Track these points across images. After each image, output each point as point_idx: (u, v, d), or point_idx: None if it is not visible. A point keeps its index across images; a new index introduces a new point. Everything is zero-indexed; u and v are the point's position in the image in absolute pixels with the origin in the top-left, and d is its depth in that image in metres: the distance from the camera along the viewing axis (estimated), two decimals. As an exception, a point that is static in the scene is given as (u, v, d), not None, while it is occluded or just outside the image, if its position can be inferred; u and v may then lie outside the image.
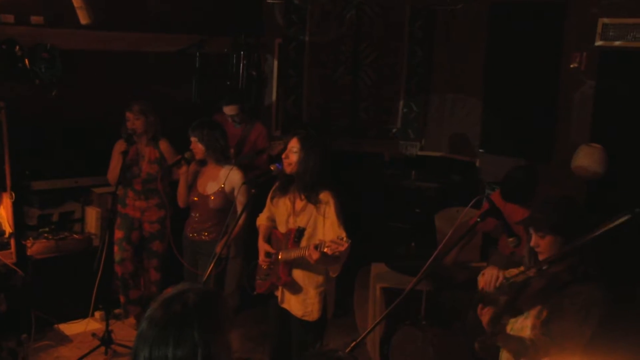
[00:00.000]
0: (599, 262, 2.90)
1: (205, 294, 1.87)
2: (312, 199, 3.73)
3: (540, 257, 3.00)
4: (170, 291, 1.87)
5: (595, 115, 5.35)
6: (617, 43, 5.16)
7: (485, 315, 3.02)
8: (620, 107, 5.19)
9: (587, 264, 2.88)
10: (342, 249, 3.46)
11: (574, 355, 2.81)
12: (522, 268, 3.26)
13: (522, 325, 3.01)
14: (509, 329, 3.03)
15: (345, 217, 3.75)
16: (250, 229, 4.49)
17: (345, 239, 3.48)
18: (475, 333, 3.30)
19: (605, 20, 5.19)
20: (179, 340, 1.78)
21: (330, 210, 3.71)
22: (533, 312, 2.96)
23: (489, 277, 3.02)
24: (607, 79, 5.24)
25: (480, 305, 3.03)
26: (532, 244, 3.00)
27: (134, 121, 5.08)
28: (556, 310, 2.88)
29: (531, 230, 3.01)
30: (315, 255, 3.55)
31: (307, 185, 3.73)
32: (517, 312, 3.00)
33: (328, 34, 6.61)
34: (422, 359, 4.19)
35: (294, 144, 3.76)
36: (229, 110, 5.67)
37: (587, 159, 5.07)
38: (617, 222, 2.60)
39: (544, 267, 2.87)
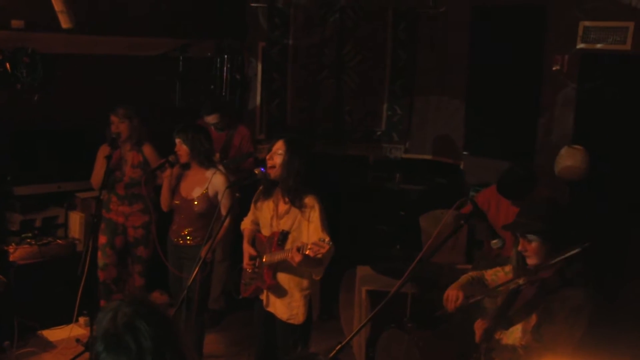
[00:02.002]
0: (586, 265, 2.93)
1: (137, 303, 1.90)
2: (297, 202, 3.74)
3: (529, 261, 3.02)
4: (105, 310, 1.90)
5: (577, 118, 5.39)
6: (598, 46, 5.20)
7: (478, 329, 3.04)
8: (602, 109, 5.23)
9: (574, 268, 2.90)
10: (323, 251, 3.47)
11: (564, 357, 2.83)
12: (506, 268, 3.29)
13: (512, 330, 3.03)
14: (499, 334, 3.05)
15: (329, 221, 3.76)
16: (236, 233, 4.48)
17: (327, 241, 3.49)
18: (461, 335, 3.32)
19: (587, 23, 5.24)
20: (140, 346, 1.80)
21: (314, 214, 3.72)
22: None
23: (450, 297, 3.15)
24: (589, 81, 5.28)
25: (479, 320, 3.06)
26: (519, 248, 3.02)
27: (118, 125, 5.06)
28: (546, 315, 2.90)
29: (518, 235, 3.03)
30: (297, 258, 3.55)
31: (290, 188, 3.73)
32: (509, 324, 3.02)
33: (311, 37, 6.61)
34: (407, 361, 4.19)
35: (279, 147, 3.76)
36: (210, 119, 5.64)
37: (569, 160, 5.11)
38: (571, 254, 2.82)
39: (534, 279, 2.92)
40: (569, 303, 2.85)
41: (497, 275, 3.36)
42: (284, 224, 3.80)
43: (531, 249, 2.98)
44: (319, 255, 3.51)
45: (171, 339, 1.86)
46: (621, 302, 4.91)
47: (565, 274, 2.87)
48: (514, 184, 4.44)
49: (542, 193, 4.48)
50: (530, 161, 5.67)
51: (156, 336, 1.82)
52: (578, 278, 2.88)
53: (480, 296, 3.12)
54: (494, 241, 3.30)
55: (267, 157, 3.80)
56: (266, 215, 3.90)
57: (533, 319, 2.94)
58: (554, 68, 5.43)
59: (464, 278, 3.37)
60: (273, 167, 3.75)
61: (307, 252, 3.51)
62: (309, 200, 3.73)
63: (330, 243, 3.48)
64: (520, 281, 2.95)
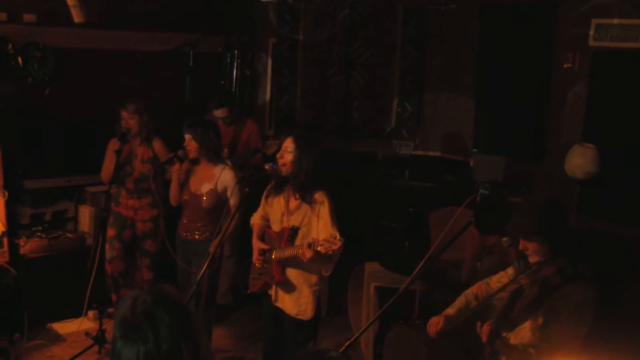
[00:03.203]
0: (587, 261, 2.94)
1: (157, 292, 1.91)
2: (307, 198, 3.74)
3: (530, 260, 3.04)
4: (126, 298, 1.91)
5: (588, 116, 5.36)
6: (610, 44, 5.17)
7: (484, 332, 3.05)
8: (613, 107, 5.21)
9: (575, 264, 2.91)
10: (335, 247, 3.47)
11: (573, 354, 2.85)
12: (509, 271, 3.30)
13: (519, 328, 3.04)
14: (506, 334, 3.06)
15: (339, 217, 3.76)
16: (245, 229, 4.49)
17: (338, 237, 3.50)
18: (468, 333, 3.34)
19: (599, 20, 5.21)
20: (157, 334, 1.81)
21: (324, 210, 3.72)
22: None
23: (431, 323, 3.37)
24: (600, 79, 5.25)
25: (478, 323, 3.09)
26: (520, 247, 3.04)
27: (128, 120, 5.08)
28: (551, 314, 2.92)
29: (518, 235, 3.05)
30: (308, 254, 3.56)
31: (301, 184, 3.74)
32: (512, 326, 3.04)
33: (321, 33, 6.60)
34: (415, 359, 4.20)
35: (288, 144, 3.76)
36: (219, 113, 5.66)
37: (580, 158, 5.09)
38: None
39: (535, 278, 2.94)
40: (572, 300, 2.87)
41: (501, 281, 3.38)
42: (295, 220, 3.81)
43: (532, 248, 3.00)
44: (330, 252, 3.51)
45: (188, 329, 1.86)
46: (626, 301, 4.89)
47: (566, 271, 2.89)
48: (487, 220, 4.29)
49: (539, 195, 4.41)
50: (540, 159, 5.66)
51: (174, 326, 1.83)
52: (580, 274, 2.89)
53: (458, 322, 3.33)
54: (504, 239, 3.30)
55: (278, 155, 3.81)
56: (277, 211, 3.91)
57: (539, 318, 2.95)
58: (565, 66, 5.40)
59: (463, 298, 3.45)
60: (284, 164, 3.76)
61: (318, 249, 3.51)
62: (318, 196, 3.74)
63: (342, 239, 3.48)
64: (523, 281, 2.96)
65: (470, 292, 3.47)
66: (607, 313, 3.39)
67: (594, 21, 5.21)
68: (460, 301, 3.46)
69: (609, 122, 5.23)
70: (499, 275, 3.40)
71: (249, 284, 4.08)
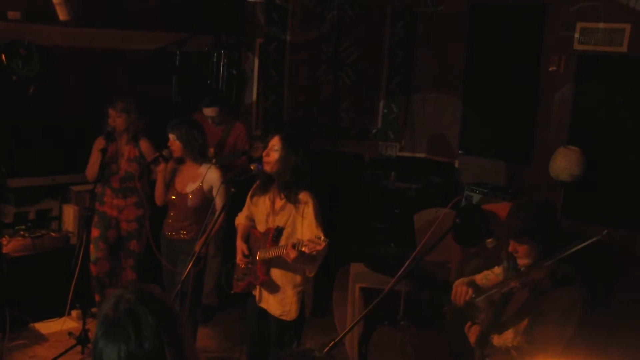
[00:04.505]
0: (576, 264, 2.94)
1: (141, 291, 1.90)
2: (292, 198, 3.74)
3: (520, 262, 3.03)
4: (109, 297, 1.90)
5: (573, 118, 5.40)
6: (595, 47, 5.21)
7: (472, 334, 3.05)
8: (598, 110, 5.25)
9: (565, 268, 2.91)
10: (319, 248, 3.47)
11: (555, 356, 2.85)
12: (496, 270, 3.30)
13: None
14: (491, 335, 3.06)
15: (324, 218, 3.76)
16: (230, 228, 4.48)
17: (322, 238, 3.49)
18: (454, 333, 3.34)
19: (584, 24, 5.25)
20: (139, 334, 1.80)
21: (309, 210, 3.72)
22: None
23: (459, 292, 3.17)
24: (586, 82, 5.29)
25: (468, 324, 3.08)
26: (510, 249, 3.03)
27: (115, 118, 5.05)
28: (537, 316, 2.92)
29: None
30: (292, 254, 3.55)
31: (287, 184, 3.73)
32: (502, 329, 3.04)
33: (309, 33, 6.62)
34: (400, 359, 4.20)
35: (275, 142, 3.76)
36: (209, 111, 5.65)
37: (564, 160, 5.12)
38: (587, 243, 2.73)
39: (526, 281, 2.93)
40: (560, 304, 2.87)
41: (487, 278, 3.37)
42: (280, 220, 3.80)
43: (522, 250, 2.99)
44: (314, 253, 3.51)
45: (172, 329, 1.85)
46: (614, 303, 4.93)
47: (556, 275, 2.89)
48: (466, 233, 4.13)
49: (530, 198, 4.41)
50: (526, 161, 5.69)
51: (157, 325, 1.81)
52: (569, 277, 2.89)
53: (489, 292, 3.11)
54: (489, 240, 3.31)
55: (264, 153, 3.80)
56: (262, 210, 3.91)
57: (525, 320, 2.96)
58: (550, 69, 5.45)
59: (462, 280, 3.39)
60: (269, 163, 3.75)
61: (302, 249, 3.51)
62: (303, 196, 3.73)
63: (326, 240, 3.48)
64: (513, 284, 2.96)
65: (461, 280, 3.45)
66: (594, 314, 3.41)
67: (579, 25, 5.26)
68: (463, 280, 3.40)
69: (593, 125, 5.28)
70: (484, 273, 3.40)
71: (233, 284, 4.08)
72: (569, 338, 2.89)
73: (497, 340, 3.04)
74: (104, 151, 4.94)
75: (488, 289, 3.11)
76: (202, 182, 4.54)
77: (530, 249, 2.97)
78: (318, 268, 3.81)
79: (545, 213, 3.05)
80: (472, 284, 3.35)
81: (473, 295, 3.12)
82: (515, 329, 2.98)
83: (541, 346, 2.87)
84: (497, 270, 3.32)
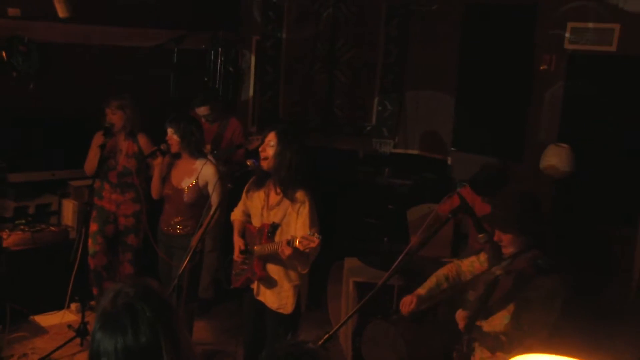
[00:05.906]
0: (560, 254, 3.05)
1: (140, 285, 1.94)
2: (288, 195, 3.77)
3: (505, 251, 3.14)
4: (108, 291, 1.94)
5: (564, 116, 5.48)
6: (585, 47, 5.30)
7: (461, 320, 3.15)
8: (587, 109, 5.33)
9: (548, 257, 3.02)
10: (313, 245, 3.52)
11: (542, 340, 2.97)
12: (481, 257, 3.42)
13: (492, 317, 3.15)
14: (479, 322, 3.16)
15: (319, 215, 3.81)
16: (226, 223, 4.54)
17: (316, 235, 3.55)
18: (446, 326, 3.44)
19: (574, 24, 5.33)
20: (136, 327, 1.84)
21: (304, 209, 3.75)
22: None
23: (403, 301, 3.49)
24: (576, 81, 5.37)
25: (459, 311, 3.20)
26: (495, 238, 3.14)
27: (111, 116, 5.11)
28: (523, 303, 3.03)
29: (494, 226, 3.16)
30: (287, 251, 3.61)
31: (283, 179, 3.77)
32: (489, 314, 3.15)
33: (305, 31, 6.67)
34: (393, 352, 4.27)
35: (271, 138, 3.79)
36: (201, 110, 5.68)
37: (555, 158, 5.20)
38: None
39: (510, 269, 3.04)
40: (544, 290, 2.98)
41: (473, 265, 3.49)
42: (274, 216, 3.85)
43: (506, 239, 3.11)
44: (308, 250, 3.57)
45: (168, 324, 1.88)
46: (603, 299, 5.01)
47: (539, 264, 3.00)
48: (486, 181, 4.53)
49: (514, 189, 4.57)
50: (518, 158, 5.76)
51: (154, 320, 1.85)
52: (551, 266, 3.00)
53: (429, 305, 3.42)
54: (481, 235, 3.39)
55: (260, 149, 3.84)
56: (257, 205, 3.95)
57: (511, 307, 3.07)
58: (541, 67, 5.52)
59: (434, 278, 3.55)
60: (266, 158, 3.79)
61: (296, 245, 3.57)
62: (300, 194, 3.77)
63: (320, 237, 3.53)
64: (497, 272, 3.07)
65: (441, 273, 3.58)
66: (585, 306, 3.50)
67: (570, 24, 5.33)
68: (431, 281, 3.57)
69: (583, 123, 5.36)
70: (471, 259, 3.52)
71: (232, 280, 4.14)
72: (553, 324, 3.00)
73: (487, 327, 3.14)
74: (102, 147, 4.99)
75: (432, 300, 3.32)
76: (197, 178, 4.59)
77: (515, 238, 3.09)
78: (310, 265, 3.87)
79: (529, 203, 3.16)
80: (456, 273, 3.56)
81: (416, 307, 3.44)
82: (504, 316, 3.09)
83: (529, 332, 2.98)
84: (483, 257, 3.45)
